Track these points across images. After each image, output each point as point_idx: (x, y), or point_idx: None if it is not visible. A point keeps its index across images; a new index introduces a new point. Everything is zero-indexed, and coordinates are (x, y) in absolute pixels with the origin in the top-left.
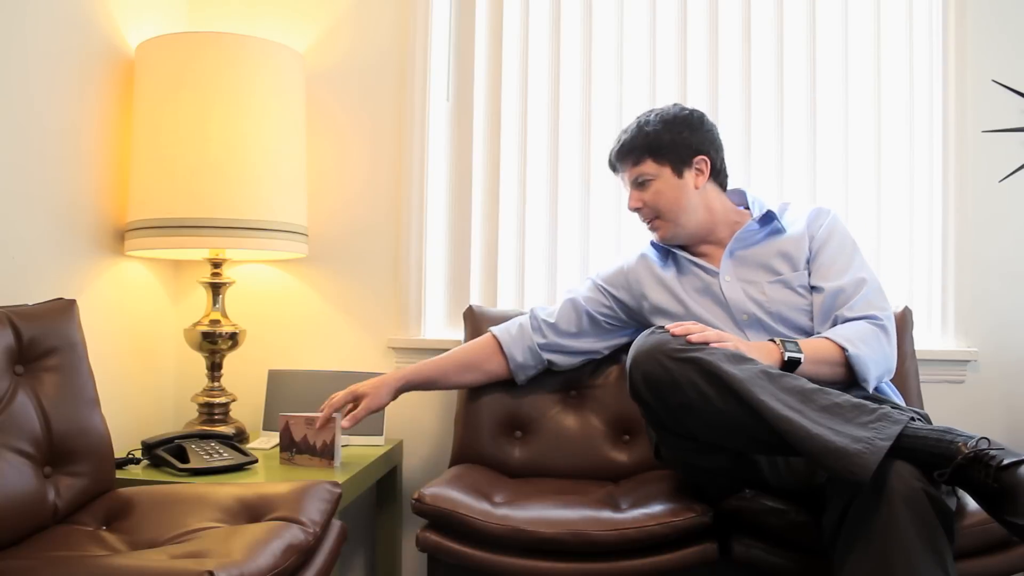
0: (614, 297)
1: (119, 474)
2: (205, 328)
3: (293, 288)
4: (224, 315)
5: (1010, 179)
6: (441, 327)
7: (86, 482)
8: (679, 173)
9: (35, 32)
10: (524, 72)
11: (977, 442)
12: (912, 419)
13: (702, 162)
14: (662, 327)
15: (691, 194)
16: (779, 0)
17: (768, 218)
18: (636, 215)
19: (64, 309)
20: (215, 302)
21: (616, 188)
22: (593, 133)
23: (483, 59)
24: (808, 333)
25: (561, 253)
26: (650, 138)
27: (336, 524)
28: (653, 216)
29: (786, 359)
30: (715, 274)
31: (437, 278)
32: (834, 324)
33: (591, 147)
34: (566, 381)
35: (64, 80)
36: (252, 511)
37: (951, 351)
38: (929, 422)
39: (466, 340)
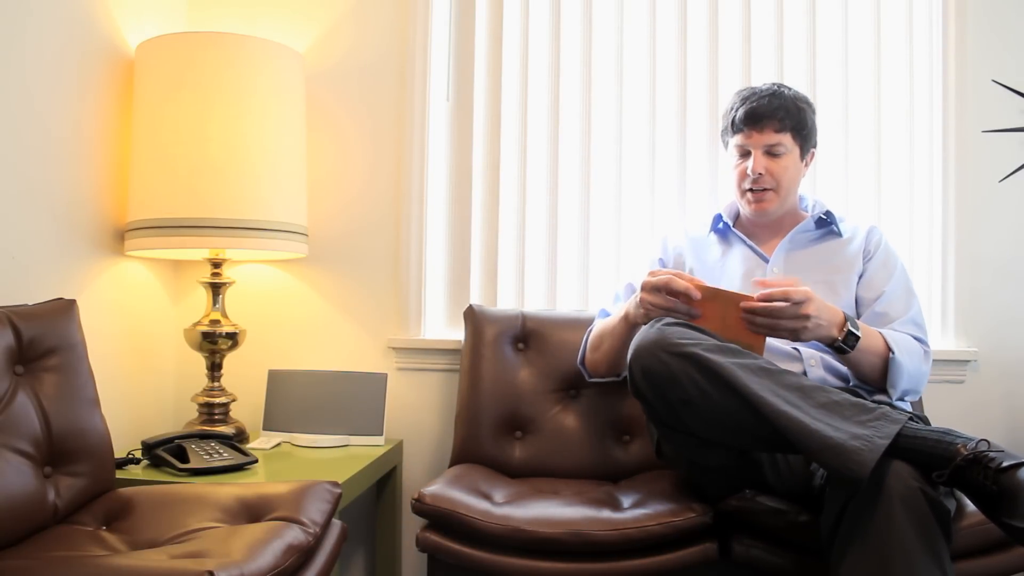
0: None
1: (119, 474)
2: (205, 328)
3: (293, 288)
4: (224, 315)
5: (1010, 179)
6: (441, 327)
7: (86, 482)
8: (802, 156)
9: (35, 32)
10: (524, 72)
11: (976, 444)
12: (911, 419)
13: (812, 154)
14: (661, 320)
15: (800, 179)
16: (779, 0)
17: (824, 220)
18: (744, 181)
19: (64, 309)
20: (215, 302)
21: (616, 188)
22: (593, 133)
23: (483, 59)
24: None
25: (561, 253)
26: (802, 114)
27: (336, 524)
28: (770, 187)
29: (846, 332)
30: (765, 260)
31: (437, 278)
32: None
33: (591, 147)
34: (566, 381)
35: (64, 80)
36: (252, 511)
37: (951, 351)
38: (928, 425)
39: (466, 340)
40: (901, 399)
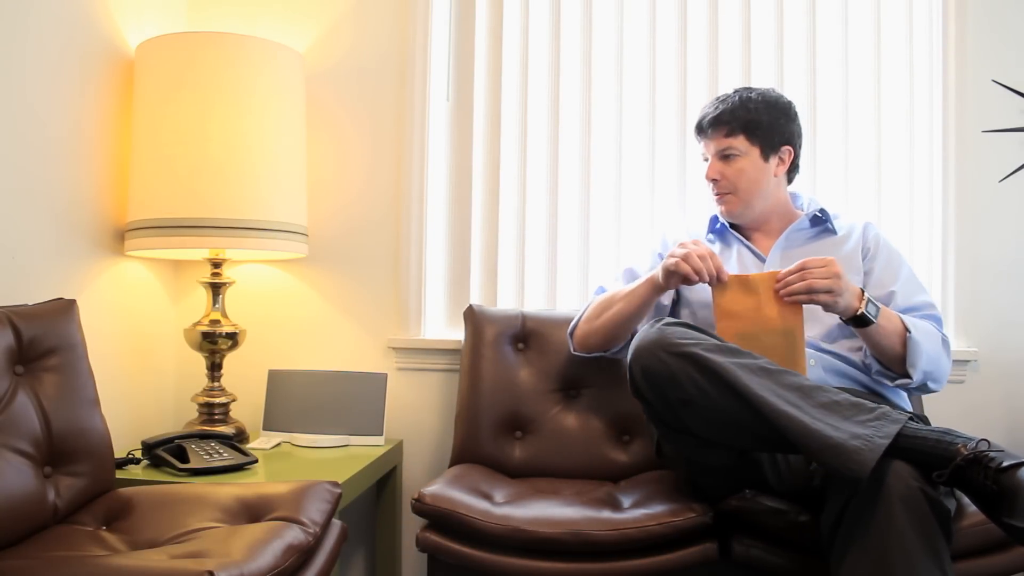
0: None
1: (119, 474)
2: (205, 328)
3: (293, 288)
4: (224, 315)
5: (1010, 179)
6: (441, 327)
7: (86, 482)
8: (766, 157)
9: (35, 32)
10: (524, 72)
11: (977, 444)
12: (911, 419)
13: (787, 152)
14: (660, 320)
15: (769, 180)
16: (779, 0)
17: (819, 218)
18: (710, 185)
19: (64, 309)
20: (215, 302)
21: (616, 188)
22: (593, 133)
23: (483, 59)
24: (838, 333)
25: (561, 253)
26: (751, 115)
27: (336, 524)
28: (727, 191)
29: (866, 300)
30: (762, 260)
31: (437, 278)
32: None
33: (591, 147)
34: (566, 381)
35: (64, 80)
36: (252, 511)
37: (951, 351)
38: (928, 425)
39: (466, 340)
40: (925, 385)
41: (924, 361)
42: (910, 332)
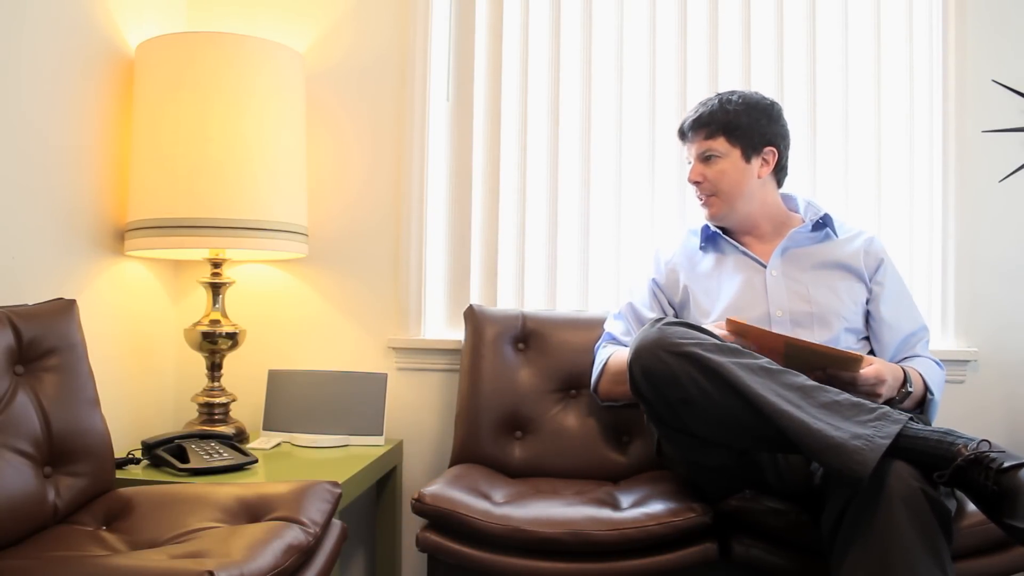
0: (664, 292)
1: (119, 474)
2: (205, 328)
3: (293, 288)
4: (224, 315)
5: (1010, 179)
6: (441, 327)
7: (86, 482)
8: (747, 158)
9: (35, 33)
10: (524, 72)
11: (978, 444)
12: (911, 420)
13: (770, 153)
14: (662, 319)
15: (752, 181)
16: (779, 1)
17: (822, 223)
18: (693, 188)
19: (64, 309)
20: (215, 302)
21: (616, 188)
22: (593, 133)
23: (483, 59)
24: (842, 337)
25: (561, 253)
26: (729, 116)
27: (336, 524)
28: (710, 193)
29: (902, 393)
30: (763, 266)
31: (437, 278)
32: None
33: (591, 147)
34: (566, 381)
35: (65, 80)
36: (252, 511)
37: (951, 351)
38: (928, 425)
39: (466, 340)
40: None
41: (935, 414)
42: (933, 396)
